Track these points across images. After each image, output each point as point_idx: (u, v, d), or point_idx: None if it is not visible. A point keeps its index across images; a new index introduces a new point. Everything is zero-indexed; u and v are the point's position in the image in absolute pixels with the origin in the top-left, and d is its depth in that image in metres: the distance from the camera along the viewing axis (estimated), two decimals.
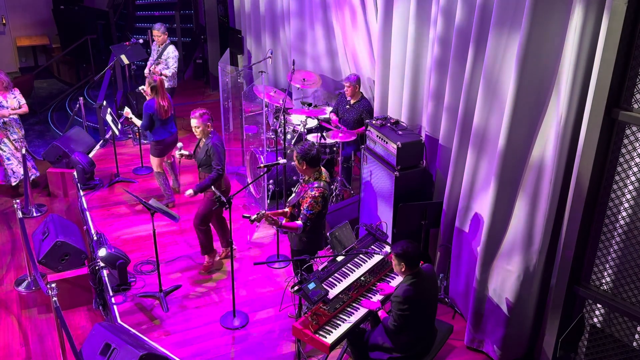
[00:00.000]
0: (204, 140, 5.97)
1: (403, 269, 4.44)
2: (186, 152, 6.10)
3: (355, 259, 5.15)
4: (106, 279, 6.04)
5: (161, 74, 8.28)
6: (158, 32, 8.46)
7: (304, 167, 5.12)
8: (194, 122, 5.89)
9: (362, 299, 4.94)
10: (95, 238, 6.12)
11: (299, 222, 5.07)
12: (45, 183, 7.98)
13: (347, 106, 7.33)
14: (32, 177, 7.85)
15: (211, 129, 5.95)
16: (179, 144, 6.19)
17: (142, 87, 7.22)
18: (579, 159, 4.22)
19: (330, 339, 4.51)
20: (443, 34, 5.45)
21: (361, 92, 7.34)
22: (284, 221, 5.22)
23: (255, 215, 5.00)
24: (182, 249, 6.75)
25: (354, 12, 7.55)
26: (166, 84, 8.39)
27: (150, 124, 6.96)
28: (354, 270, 5.04)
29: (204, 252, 6.38)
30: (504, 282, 5.01)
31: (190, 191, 5.95)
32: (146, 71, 8.51)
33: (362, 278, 5.01)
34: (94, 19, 12.65)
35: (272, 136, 7.23)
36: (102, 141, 9.20)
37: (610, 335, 4.39)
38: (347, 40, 7.96)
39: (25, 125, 9.39)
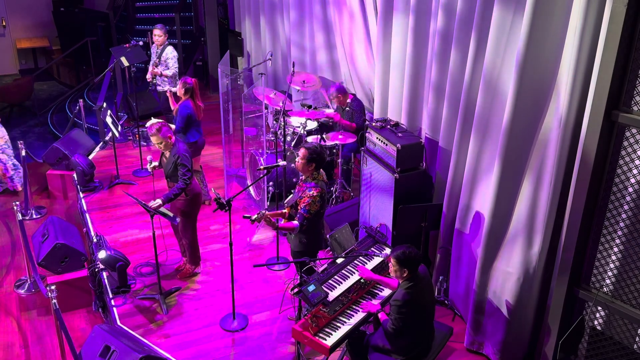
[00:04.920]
0: (168, 152, 5.79)
1: (398, 273, 4.43)
2: (156, 163, 5.96)
3: (355, 261, 5.15)
4: (106, 281, 6.04)
5: (161, 74, 8.27)
6: (160, 32, 8.42)
7: (309, 167, 5.11)
8: (154, 140, 5.69)
9: (362, 301, 4.95)
10: (94, 240, 6.11)
11: (296, 222, 5.07)
12: (45, 185, 7.98)
13: (342, 111, 7.40)
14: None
15: (172, 139, 5.78)
16: (149, 157, 6.02)
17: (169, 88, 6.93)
18: (578, 162, 4.22)
19: (330, 341, 4.51)
20: (443, 32, 5.45)
21: (351, 93, 7.40)
22: (282, 222, 5.23)
23: (256, 216, 4.98)
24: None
25: (352, 12, 7.55)
26: (167, 86, 8.39)
27: (186, 125, 6.84)
28: (354, 273, 5.03)
29: (194, 262, 6.35)
30: (504, 284, 5.01)
31: (158, 201, 5.61)
32: (148, 76, 8.45)
33: (362, 280, 5.01)
34: (94, 21, 12.65)
35: (272, 138, 7.23)
36: (102, 143, 9.19)
37: (610, 337, 4.38)
38: (345, 38, 7.95)
39: (25, 127, 9.41)
